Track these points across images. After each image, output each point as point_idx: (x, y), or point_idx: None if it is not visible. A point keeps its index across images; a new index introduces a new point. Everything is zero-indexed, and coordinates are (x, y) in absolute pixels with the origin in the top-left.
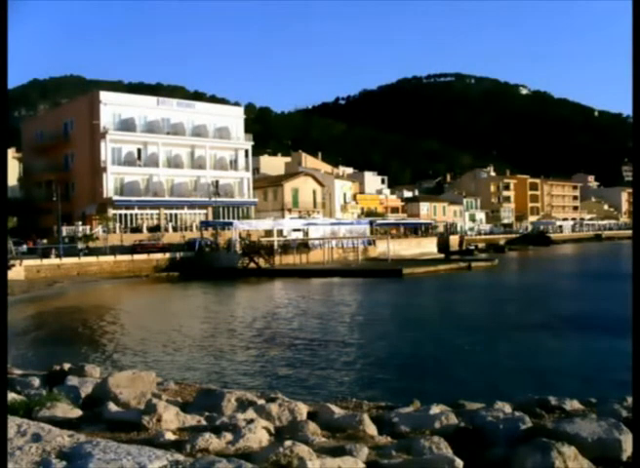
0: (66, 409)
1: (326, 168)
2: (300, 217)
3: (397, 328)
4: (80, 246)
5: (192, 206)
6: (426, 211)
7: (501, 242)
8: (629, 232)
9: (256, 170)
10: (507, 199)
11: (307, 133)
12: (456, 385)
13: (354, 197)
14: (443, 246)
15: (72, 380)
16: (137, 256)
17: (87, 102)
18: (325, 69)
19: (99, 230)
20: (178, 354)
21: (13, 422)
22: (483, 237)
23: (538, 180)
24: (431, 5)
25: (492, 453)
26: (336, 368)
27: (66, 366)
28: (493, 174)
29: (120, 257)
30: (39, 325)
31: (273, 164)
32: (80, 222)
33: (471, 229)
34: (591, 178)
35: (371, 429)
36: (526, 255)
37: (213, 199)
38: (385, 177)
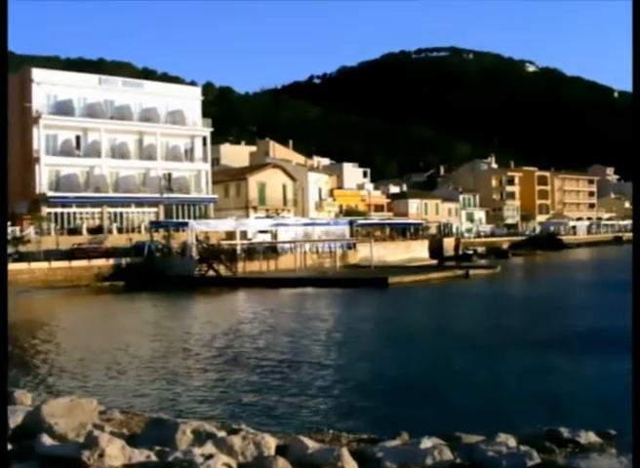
0: None
1: (298, 158)
2: (268, 217)
3: (382, 346)
4: (9, 250)
5: (140, 203)
6: (416, 209)
7: (504, 246)
8: None
9: (215, 161)
10: (511, 195)
11: (276, 117)
12: (450, 414)
13: (331, 193)
14: (436, 250)
15: None
16: (75, 263)
17: (16, 82)
18: (296, 42)
19: (30, 232)
20: (123, 378)
21: None
22: (483, 240)
23: (547, 173)
24: None
25: None
26: (309, 394)
27: None
28: (494, 165)
29: (56, 264)
30: None
31: (236, 154)
32: (9, 223)
33: (469, 231)
34: (610, 171)
35: (351, 466)
36: (533, 262)
37: (165, 195)
38: (368, 170)
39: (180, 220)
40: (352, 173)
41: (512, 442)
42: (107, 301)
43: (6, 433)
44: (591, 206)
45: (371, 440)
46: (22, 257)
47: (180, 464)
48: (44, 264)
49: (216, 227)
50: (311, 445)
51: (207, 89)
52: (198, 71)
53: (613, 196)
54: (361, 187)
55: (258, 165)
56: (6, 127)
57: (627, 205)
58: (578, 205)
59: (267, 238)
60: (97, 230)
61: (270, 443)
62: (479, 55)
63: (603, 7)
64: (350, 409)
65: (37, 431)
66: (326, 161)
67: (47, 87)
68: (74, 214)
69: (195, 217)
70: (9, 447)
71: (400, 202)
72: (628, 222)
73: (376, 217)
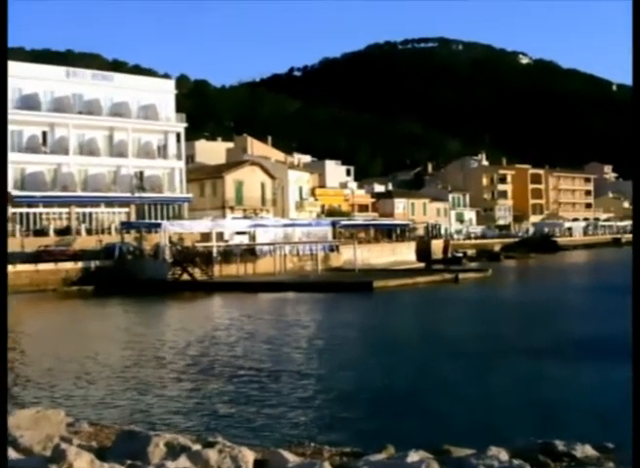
0: None
1: (277, 155)
2: (246, 217)
3: (366, 354)
4: None
5: (111, 203)
6: (403, 209)
7: (496, 248)
8: None
9: (190, 158)
10: (503, 194)
11: (254, 112)
12: (439, 426)
13: (313, 192)
14: (423, 253)
15: None
16: (42, 266)
17: None
18: (276, 32)
19: None
20: (92, 388)
21: None
22: (473, 242)
23: (541, 171)
24: None
25: None
26: (289, 404)
27: None
28: (485, 163)
29: (21, 267)
30: None
31: (212, 150)
32: None
33: (459, 232)
34: (608, 169)
35: None
36: (526, 265)
37: (136, 194)
38: (351, 168)
39: (153, 221)
40: (335, 170)
41: (504, 455)
42: (76, 307)
43: (6, 433)
44: (588, 206)
45: (354, 453)
46: None
47: None
48: (8, 267)
49: (190, 228)
50: (291, 458)
51: (181, 82)
52: (172, 63)
53: (611, 195)
54: (344, 186)
55: (235, 162)
56: (6, 126)
57: (626, 205)
58: (573, 205)
59: (245, 240)
60: (64, 231)
61: (248, 456)
62: (469, 46)
63: None
64: (333, 421)
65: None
66: (307, 158)
67: (11, 80)
68: (40, 214)
69: (169, 218)
70: None
71: (385, 202)
72: (627, 223)
73: (360, 218)
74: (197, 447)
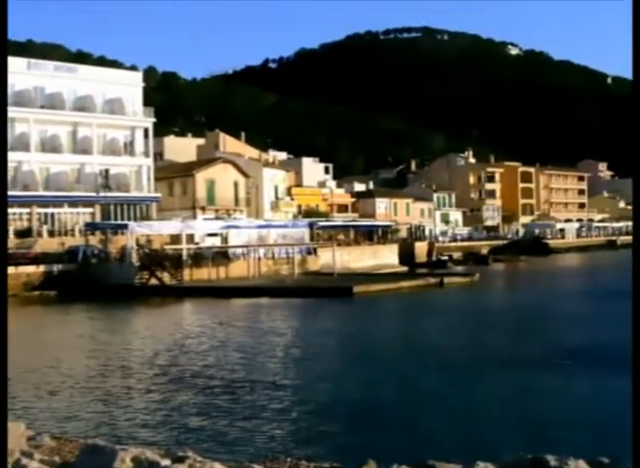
0: None
1: (251, 152)
2: (218, 218)
3: (346, 364)
4: None
5: (74, 203)
6: (384, 209)
7: (484, 251)
8: None
9: (158, 155)
10: (492, 194)
11: (227, 106)
12: (423, 439)
13: (289, 191)
14: (406, 256)
15: None
16: None
17: None
18: (250, 22)
19: None
20: (55, 399)
21: None
22: (459, 244)
23: (532, 169)
24: None
25: None
26: (264, 417)
27: None
28: (472, 160)
29: None
30: None
31: (182, 147)
32: None
33: (444, 234)
34: (603, 167)
35: None
36: (516, 269)
37: (101, 194)
38: (330, 165)
39: (119, 222)
40: (313, 168)
41: None
42: (37, 313)
43: (6, 433)
44: (581, 206)
45: None
46: None
47: None
48: None
49: (159, 230)
50: None
51: (149, 74)
52: (139, 54)
53: (606, 195)
54: (322, 185)
55: (206, 160)
56: (6, 126)
57: (622, 205)
58: (566, 204)
59: (217, 242)
60: (25, 233)
61: None
62: (455, 36)
63: None
64: (310, 435)
65: None
66: (283, 155)
67: None
68: None
69: (136, 219)
70: None
71: (366, 201)
72: (623, 224)
73: (339, 219)
74: (166, 462)
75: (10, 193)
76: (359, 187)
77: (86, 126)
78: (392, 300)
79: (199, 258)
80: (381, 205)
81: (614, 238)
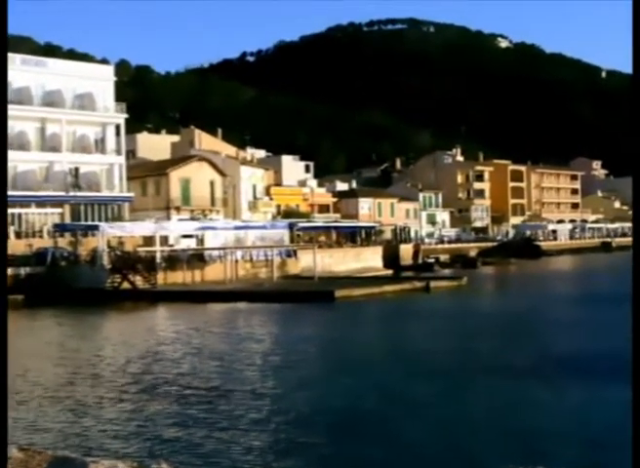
0: None
1: (229, 150)
2: (193, 219)
3: (327, 372)
4: None
5: (42, 203)
6: (368, 210)
7: (472, 253)
8: None
9: (131, 153)
10: (480, 193)
11: (202, 101)
12: (407, 451)
13: (267, 191)
14: (391, 259)
15: None
16: None
17: None
18: (227, 13)
19: None
20: (22, 409)
21: None
22: (447, 246)
23: (522, 168)
24: None
25: None
26: (242, 427)
27: None
28: (460, 158)
29: None
30: None
31: (155, 145)
32: None
33: (430, 235)
34: (597, 165)
35: None
36: (506, 272)
37: (71, 193)
38: (311, 164)
39: (90, 223)
40: (292, 167)
41: None
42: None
43: (6, 432)
44: (574, 206)
45: None
46: None
47: None
48: None
49: (131, 231)
50: None
51: (121, 68)
52: (110, 47)
53: (600, 194)
54: (303, 184)
55: (181, 158)
56: (6, 126)
57: (617, 205)
58: (558, 205)
59: (192, 244)
60: None
61: None
62: (442, 27)
63: None
64: (290, 446)
65: None
66: (261, 153)
67: None
68: None
69: (107, 220)
70: None
71: (349, 201)
72: (619, 225)
73: (320, 220)
74: None
75: None
76: (341, 187)
77: (55, 122)
78: (376, 305)
79: (173, 261)
80: (365, 205)
81: (608, 240)
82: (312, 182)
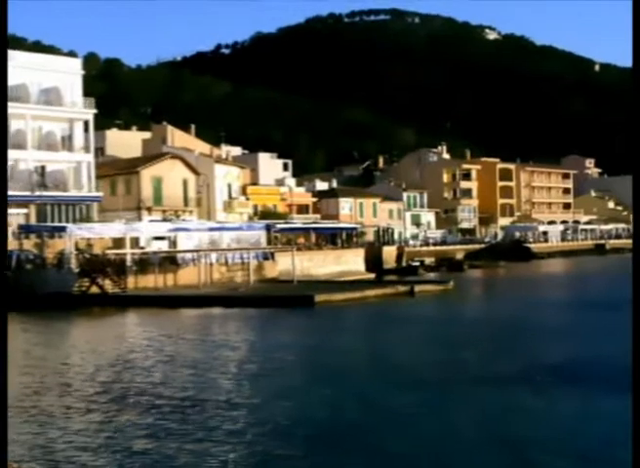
0: None
1: (202, 147)
2: (165, 220)
3: (306, 381)
4: None
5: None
6: (349, 210)
7: (459, 256)
8: None
9: (100, 150)
10: (468, 193)
11: (175, 96)
12: (390, 464)
13: (244, 190)
14: (373, 261)
15: None
16: None
17: None
18: (200, 3)
19: None
20: None
21: None
22: (432, 248)
23: (512, 166)
24: None
25: None
26: (217, 439)
27: None
28: (446, 156)
29: None
30: None
31: (125, 141)
32: None
33: (415, 237)
34: (590, 163)
35: None
36: (495, 275)
37: (37, 193)
38: (289, 162)
39: (57, 224)
40: (270, 165)
41: None
42: None
43: (6, 432)
44: (566, 206)
45: None
46: None
47: None
48: None
49: (100, 233)
50: None
51: (89, 61)
52: (78, 39)
53: (593, 194)
54: (281, 183)
55: (152, 155)
56: (6, 126)
57: (611, 205)
58: (549, 205)
59: (164, 246)
60: None
61: None
62: (427, 19)
63: None
64: (266, 459)
65: None
66: (237, 150)
67: None
68: None
69: (75, 221)
70: None
71: (329, 201)
72: (613, 227)
73: (299, 221)
74: None
75: None
76: (321, 186)
77: (19, 118)
78: (358, 310)
79: (145, 264)
80: (346, 205)
81: (602, 242)
82: (290, 181)
